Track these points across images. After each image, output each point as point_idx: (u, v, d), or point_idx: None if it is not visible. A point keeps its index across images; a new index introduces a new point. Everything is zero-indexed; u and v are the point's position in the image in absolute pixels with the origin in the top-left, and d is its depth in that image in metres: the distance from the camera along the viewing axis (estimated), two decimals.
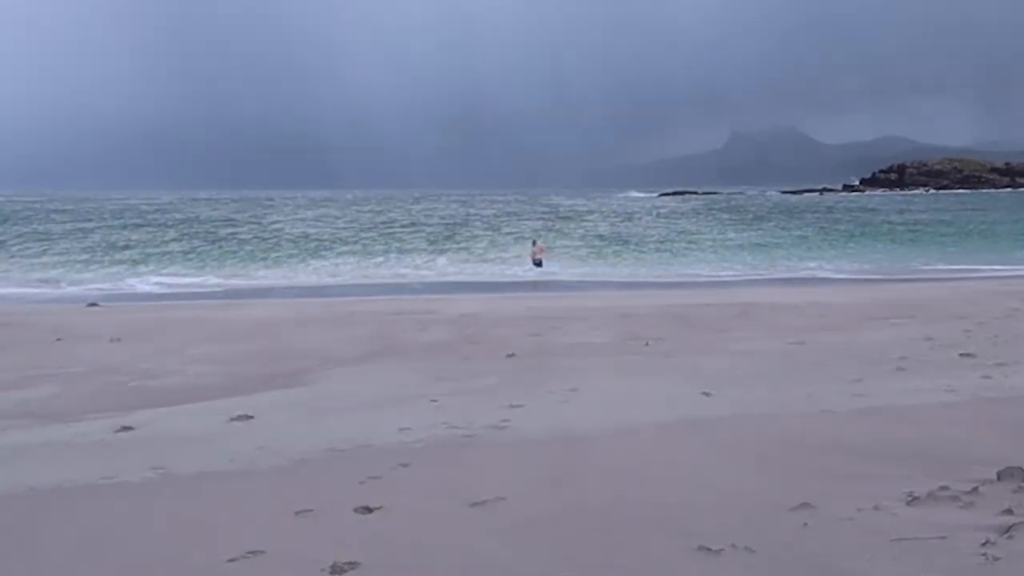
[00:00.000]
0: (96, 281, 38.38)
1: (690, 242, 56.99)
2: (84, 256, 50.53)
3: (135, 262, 47.77)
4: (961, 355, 14.90)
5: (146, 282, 38.10)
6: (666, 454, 9.36)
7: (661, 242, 57.22)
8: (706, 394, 12.25)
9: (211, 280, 38.46)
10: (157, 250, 54.13)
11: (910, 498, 7.52)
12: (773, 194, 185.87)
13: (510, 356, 15.94)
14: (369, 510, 7.67)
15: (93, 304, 27.73)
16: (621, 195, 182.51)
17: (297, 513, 7.61)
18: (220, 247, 56.99)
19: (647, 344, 16.98)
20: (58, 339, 18.66)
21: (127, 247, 56.62)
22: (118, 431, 10.95)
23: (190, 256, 51.06)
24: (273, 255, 51.46)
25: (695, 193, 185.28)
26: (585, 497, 7.88)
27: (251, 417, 11.53)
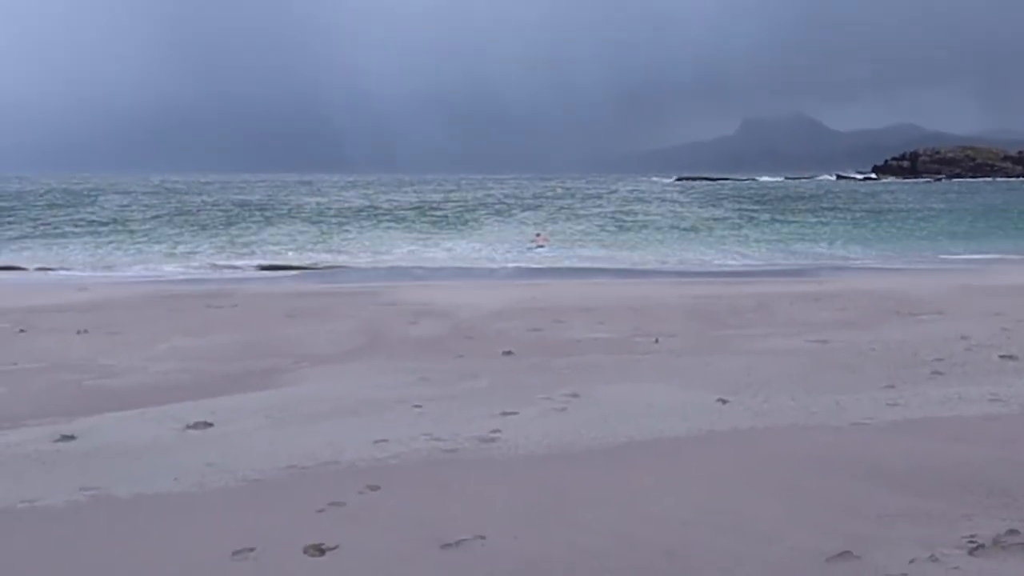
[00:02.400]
0: (121, 267, 36.62)
1: (704, 228, 55.56)
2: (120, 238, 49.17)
3: (177, 243, 46.50)
4: (1002, 357, 13.55)
5: (183, 266, 36.59)
6: (677, 479, 8.09)
7: (673, 228, 55.84)
8: (722, 401, 10.95)
9: (236, 263, 37.21)
10: (205, 233, 52.80)
11: (973, 545, 6.26)
12: (786, 181, 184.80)
13: (507, 354, 14.57)
14: (321, 551, 6.45)
15: (84, 289, 26.44)
16: (633, 180, 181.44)
17: (235, 553, 6.42)
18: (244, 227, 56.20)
19: (657, 341, 15.58)
20: (21, 330, 17.33)
21: (178, 226, 56.07)
22: (57, 440, 9.68)
23: (221, 237, 49.96)
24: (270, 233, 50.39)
25: (708, 179, 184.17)
26: (580, 537, 6.63)
27: (210, 425, 10.25)
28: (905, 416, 10.20)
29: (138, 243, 46.13)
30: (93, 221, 61.06)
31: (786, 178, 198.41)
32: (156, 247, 44.18)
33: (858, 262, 37.05)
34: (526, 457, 8.86)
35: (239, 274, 32.86)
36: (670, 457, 8.83)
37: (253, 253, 41.57)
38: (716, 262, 37.34)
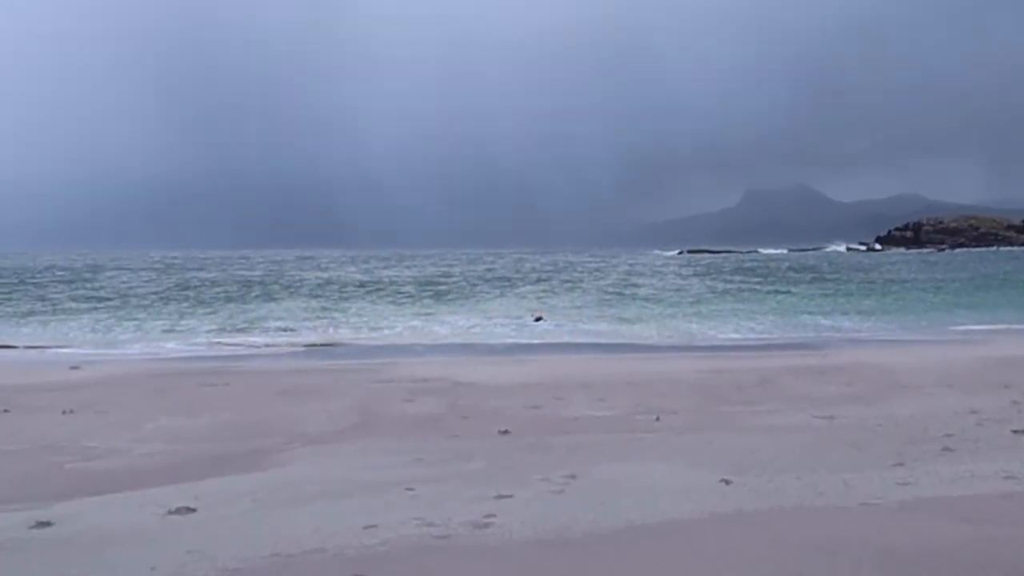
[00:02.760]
0: (119, 344, 35.93)
1: (705, 301, 55.05)
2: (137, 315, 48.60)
3: (178, 319, 45.88)
4: (1014, 432, 13.19)
5: (181, 343, 35.95)
6: (680, 565, 7.73)
7: (675, 302, 55.29)
8: (726, 482, 10.58)
9: (234, 340, 36.61)
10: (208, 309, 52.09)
11: None
12: (790, 253, 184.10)
13: (503, 433, 14.15)
14: None
15: (75, 367, 25.97)
16: (635, 253, 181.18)
17: None
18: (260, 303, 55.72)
19: (658, 419, 15.17)
20: (5, 410, 16.86)
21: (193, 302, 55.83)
22: (33, 527, 9.29)
23: (221, 313, 49.36)
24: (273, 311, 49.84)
25: (711, 252, 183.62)
26: None
27: (193, 510, 9.85)
28: (916, 495, 9.84)
29: (137, 319, 45.61)
30: (92, 297, 60.65)
31: (790, 250, 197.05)
32: (155, 323, 43.62)
33: (863, 334, 36.51)
34: (521, 543, 8.50)
35: (236, 351, 32.32)
36: (672, 541, 8.49)
37: (253, 329, 41.08)
38: (719, 336, 36.78)
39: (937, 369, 20.93)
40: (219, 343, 35.72)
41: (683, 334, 37.64)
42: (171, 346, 34.55)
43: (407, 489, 10.57)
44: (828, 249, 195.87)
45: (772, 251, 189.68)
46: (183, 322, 44.47)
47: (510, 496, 10.09)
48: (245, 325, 42.77)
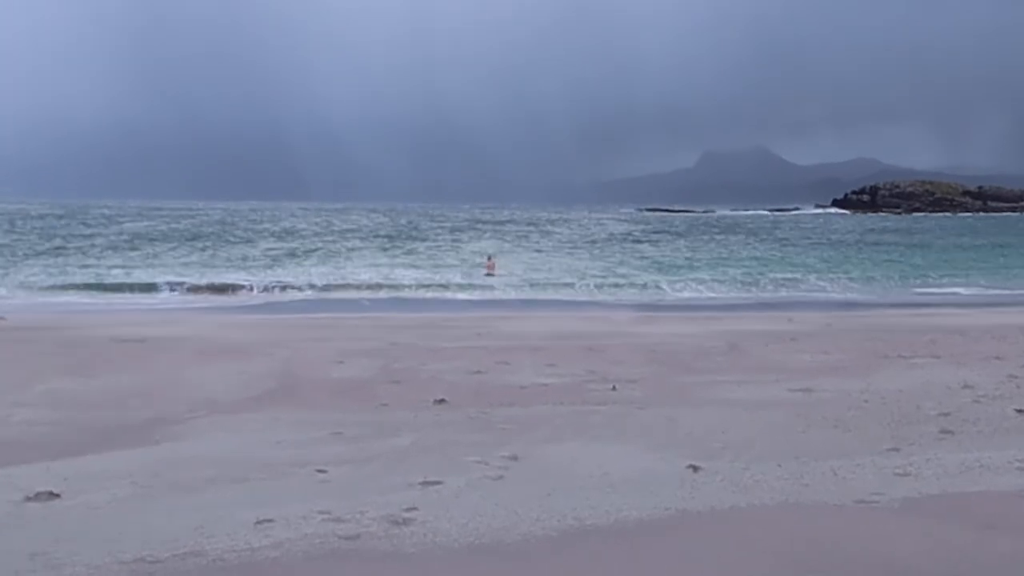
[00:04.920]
0: (61, 291, 34.32)
1: (667, 261, 53.52)
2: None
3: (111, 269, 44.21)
4: (1018, 411, 11.66)
5: (109, 294, 34.35)
6: None
7: (636, 260, 53.89)
8: (693, 468, 9.01)
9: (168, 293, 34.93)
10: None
11: None
12: (749, 213, 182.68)
13: (439, 402, 12.46)
14: None
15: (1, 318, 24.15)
16: (594, 209, 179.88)
17: None
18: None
19: (614, 388, 13.55)
20: None
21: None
22: None
23: (167, 263, 47.81)
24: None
25: (671, 211, 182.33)
26: None
27: (57, 496, 8.17)
28: (920, 490, 8.33)
29: (68, 268, 43.99)
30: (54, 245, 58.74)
31: (771, 211, 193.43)
32: (81, 274, 41.92)
33: (834, 293, 35.38)
34: (445, 548, 6.95)
35: (166, 304, 30.78)
36: (630, 546, 7.00)
37: (197, 286, 39.27)
38: (680, 295, 35.44)
39: (919, 336, 19.42)
40: (141, 294, 34.14)
41: (642, 293, 36.30)
42: (109, 297, 33.05)
43: (317, 471, 8.99)
44: (806, 212, 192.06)
45: (732, 211, 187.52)
46: (135, 272, 42.88)
47: (438, 483, 8.52)
48: (187, 279, 40.83)
